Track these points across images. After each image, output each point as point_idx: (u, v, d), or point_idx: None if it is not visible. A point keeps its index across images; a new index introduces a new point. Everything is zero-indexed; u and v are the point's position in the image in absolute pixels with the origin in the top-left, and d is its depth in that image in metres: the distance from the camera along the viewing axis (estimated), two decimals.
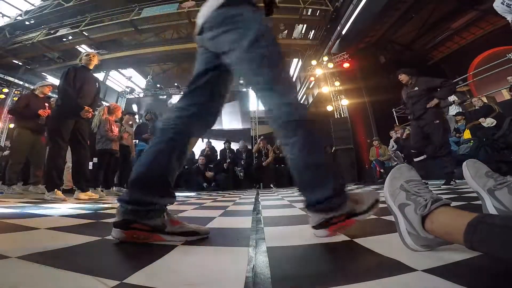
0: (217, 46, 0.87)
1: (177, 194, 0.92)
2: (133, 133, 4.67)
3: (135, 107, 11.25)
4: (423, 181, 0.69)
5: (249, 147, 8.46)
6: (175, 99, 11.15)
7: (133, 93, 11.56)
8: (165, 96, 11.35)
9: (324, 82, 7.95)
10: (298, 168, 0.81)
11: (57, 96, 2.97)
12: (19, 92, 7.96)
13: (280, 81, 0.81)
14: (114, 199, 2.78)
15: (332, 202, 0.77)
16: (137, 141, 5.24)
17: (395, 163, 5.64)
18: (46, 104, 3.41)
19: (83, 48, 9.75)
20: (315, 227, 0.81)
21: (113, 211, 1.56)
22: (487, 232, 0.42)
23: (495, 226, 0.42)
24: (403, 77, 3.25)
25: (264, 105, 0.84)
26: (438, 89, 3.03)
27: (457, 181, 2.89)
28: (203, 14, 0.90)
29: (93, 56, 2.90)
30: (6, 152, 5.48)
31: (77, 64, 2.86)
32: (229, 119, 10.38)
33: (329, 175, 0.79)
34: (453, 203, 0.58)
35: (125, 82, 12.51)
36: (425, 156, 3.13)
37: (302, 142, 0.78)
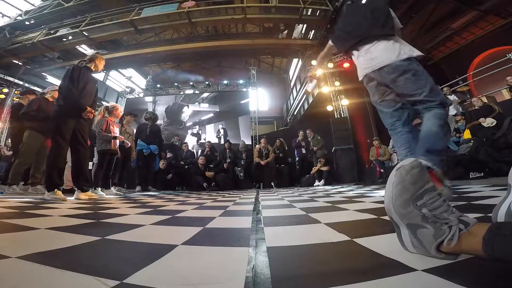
0: (400, 87, 1.54)
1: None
2: (133, 133, 4.67)
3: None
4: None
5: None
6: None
7: (133, 93, 11.57)
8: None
9: (324, 82, 7.95)
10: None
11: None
12: (18, 92, 7.97)
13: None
14: (114, 199, 2.78)
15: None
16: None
17: (396, 163, 5.64)
18: None
19: (83, 48, 9.75)
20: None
21: (113, 211, 1.56)
22: (505, 243, 0.42)
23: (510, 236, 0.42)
24: None
25: (418, 103, 1.53)
26: None
27: (452, 181, 2.91)
28: (383, 58, 1.54)
29: (101, 59, 2.92)
30: (5, 150, 5.48)
31: (82, 61, 2.86)
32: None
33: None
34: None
35: (125, 82, 12.53)
36: None
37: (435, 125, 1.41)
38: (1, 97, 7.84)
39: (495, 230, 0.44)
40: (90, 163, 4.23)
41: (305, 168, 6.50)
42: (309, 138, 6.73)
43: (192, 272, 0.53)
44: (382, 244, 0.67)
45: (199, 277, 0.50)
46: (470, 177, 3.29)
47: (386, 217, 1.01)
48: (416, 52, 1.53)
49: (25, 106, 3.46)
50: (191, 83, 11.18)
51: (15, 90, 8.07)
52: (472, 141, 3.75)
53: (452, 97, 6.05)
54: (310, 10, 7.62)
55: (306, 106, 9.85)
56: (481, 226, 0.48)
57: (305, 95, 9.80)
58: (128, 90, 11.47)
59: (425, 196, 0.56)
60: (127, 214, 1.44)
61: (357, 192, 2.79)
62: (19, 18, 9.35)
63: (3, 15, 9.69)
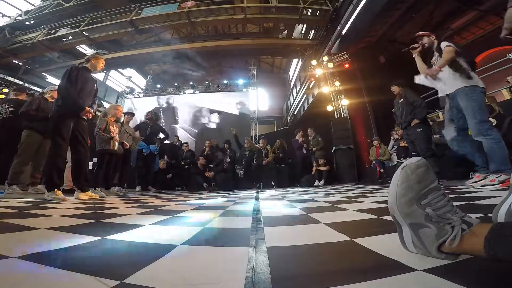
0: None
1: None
2: (133, 133, 4.67)
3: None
4: (439, 182, 0.62)
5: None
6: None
7: (133, 93, 11.56)
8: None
9: (324, 82, 7.95)
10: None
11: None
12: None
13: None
14: (114, 199, 2.78)
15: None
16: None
17: (395, 163, 5.63)
18: None
19: (83, 48, 9.75)
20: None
21: (113, 211, 1.56)
22: (506, 244, 0.42)
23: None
24: (395, 88, 3.51)
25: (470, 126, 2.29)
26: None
27: (443, 180, 2.97)
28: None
29: (98, 58, 2.92)
30: None
31: (81, 63, 2.86)
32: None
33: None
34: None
35: (125, 82, 12.52)
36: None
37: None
38: (1, 97, 7.84)
39: (496, 230, 0.44)
40: (90, 163, 4.23)
41: (305, 168, 6.50)
42: (310, 137, 6.72)
43: (192, 272, 0.53)
44: (382, 244, 0.67)
45: (199, 277, 0.50)
46: (470, 177, 3.29)
47: (386, 217, 1.01)
48: None
49: (25, 105, 3.45)
50: (191, 83, 11.18)
51: None
52: None
53: None
54: (310, 10, 7.63)
55: (306, 106, 9.84)
56: (483, 226, 0.48)
57: (305, 95, 9.80)
58: (128, 90, 11.47)
59: (430, 196, 0.55)
60: (127, 214, 1.44)
61: (357, 192, 2.79)
62: (19, 18, 9.35)
63: (3, 15, 9.70)
